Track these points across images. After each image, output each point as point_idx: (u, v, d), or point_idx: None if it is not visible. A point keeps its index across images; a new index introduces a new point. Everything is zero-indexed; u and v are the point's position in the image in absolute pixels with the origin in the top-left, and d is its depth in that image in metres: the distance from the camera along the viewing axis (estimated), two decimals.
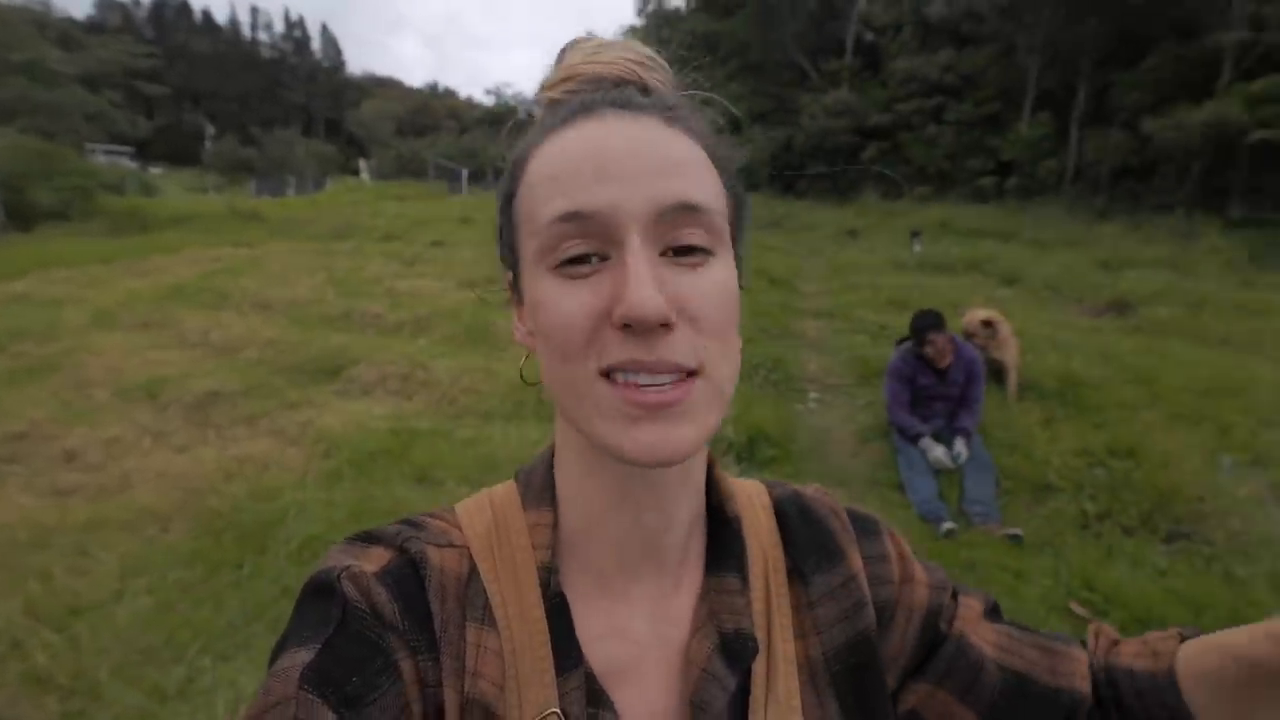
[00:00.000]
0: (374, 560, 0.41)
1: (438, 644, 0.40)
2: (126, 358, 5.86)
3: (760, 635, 0.45)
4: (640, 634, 0.44)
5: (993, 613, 0.53)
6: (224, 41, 69.15)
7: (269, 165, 35.43)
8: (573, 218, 0.36)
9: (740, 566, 0.46)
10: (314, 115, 69.49)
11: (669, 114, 0.39)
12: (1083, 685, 0.47)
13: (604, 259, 0.36)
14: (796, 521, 0.51)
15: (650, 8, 30.90)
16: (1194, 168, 16.24)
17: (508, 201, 0.42)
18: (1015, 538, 3.09)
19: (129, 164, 33.81)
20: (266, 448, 4.06)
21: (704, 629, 0.44)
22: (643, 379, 0.35)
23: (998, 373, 4.48)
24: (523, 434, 4.17)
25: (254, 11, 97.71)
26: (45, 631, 2.41)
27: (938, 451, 3.59)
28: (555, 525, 0.44)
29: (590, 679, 0.41)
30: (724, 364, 0.38)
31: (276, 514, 3.15)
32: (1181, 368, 5.24)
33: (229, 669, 2.24)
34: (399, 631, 0.39)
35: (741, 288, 0.41)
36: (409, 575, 0.41)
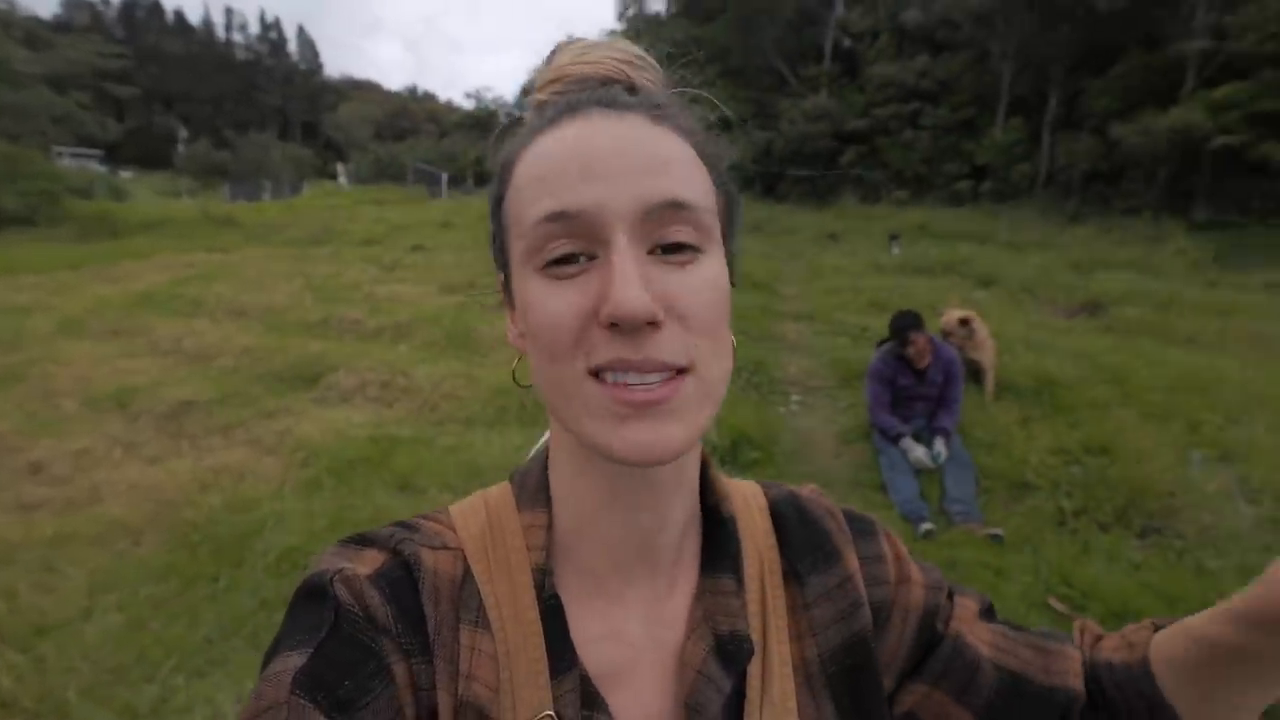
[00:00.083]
0: (367, 563, 0.41)
1: (431, 647, 0.39)
2: (95, 367, 5.71)
3: (755, 637, 0.45)
4: (635, 636, 0.44)
5: (987, 613, 0.53)
6: (197, 43, 68.01)
7: (244, 169, 34.82)
8: (559, 217, 0.36)
9: (735, 567, 0.46)
10: (290, 118, 68.54)
11: (656, 112, 0.39)
12: (1076, 683, 0.48)
13: (591, 258, 0.36)
14: (792, 522, 0.50)
15: (630, 12, 31.04)
16: (1160, 172, 16.75)
17: (497, 204, 0.42)
18: (996, 538, 3.13)
19: (98, 167, 33.03)
20: (243, 457, 3.98)
21: (699, 630, 0.44)
22: (631, 378, 0.35)
23: (976, 373, 4.56)
24: (506, 440, 4.13)
25: (228, 12, 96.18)
26: (9, 652, 2.33)
27: (918, 452, 3.63)
28: (550, 527, 0.44)
29: (585, 681, 0.41)
30: (715, 362, 0.38)
31: (254, 525, 3.08)
32: (1152, 367, 5.38)
33: (205, 685, 2.18)
34: (392, 635, 0.38)
35: (733, 286, 0.41)
36: (402, 578, 0.41)
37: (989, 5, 19.22)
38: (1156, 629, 0.48)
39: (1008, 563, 2.93)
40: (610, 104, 0.39)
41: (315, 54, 79.02)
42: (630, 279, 0.34)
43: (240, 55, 71.79)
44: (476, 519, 0.45)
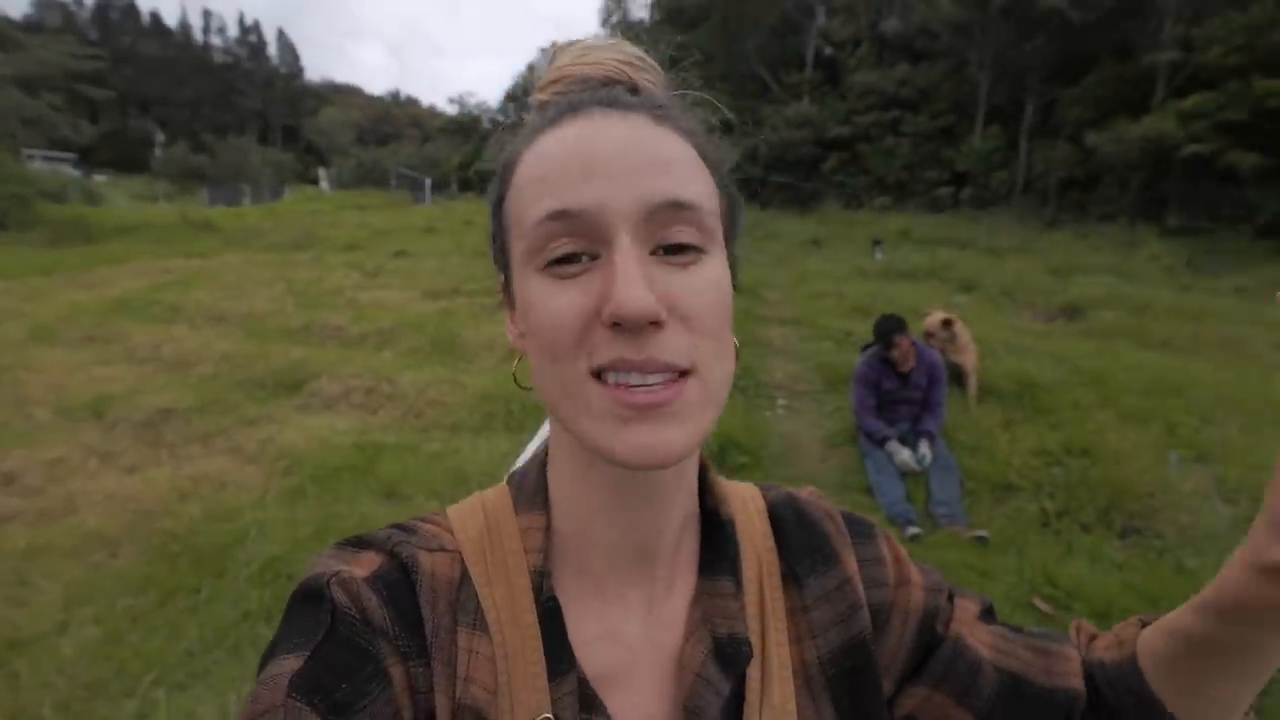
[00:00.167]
0: (364, 565, 0.41)
1: (429, 649, 0.39)
2: (69, 374, 5.58)
3: (754, 639, 0.45)
4: (633, 638, 0.43)
5: (988, 614, 0.53)
6: (174, 45, 67.07)
7: (223, 173, 34.26)
8: (560, 216, 0.35)
9: (734, 570, 0.46)
10: (270, 122, 67.74)
11: (658, 112, 0.39)
12: (1077, 684, 0.48)
13: (593, 258, 0.36)
14: (791, 525, 0.50)
15: (615, 19, 31.18)
16: (1134, 179, 17.16)
17: (498, 205, 0.42)
18: (981, 539, 3.17)
19: (71, 171, 32.33)
20: (223, 466, 3.91)
21: (698, 633, 0.44)
22: (633, 379, 0.35)
23: (958, 377, 4.62)
24: (492, 446, 4.10)
25: (206, 15, 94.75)
26: None
27: (904, 454, 3.67)
28: (548, 529, 0.44)
29: (583, 684, 0.41)
30: (717, 364, 0.37)
31: (235, 535, 3.03)
32: (1129, 370, 5.49)
33: (186, 699, 2.13)
34: (389, 637, 0.38)
35: (735, 288, 0.41)
36: (400, 580, 0.40)
37: (967, 15, 19.63)
38: (1144, 625, 0.48)
39: (993, 564, 2.96)
40: (612, 104, 0.39)
41: (296, 57, 78.33)
42: (633, 278, 0.33)
43: (219, 58, 70.92)
44: (474, 521, 0.45)
